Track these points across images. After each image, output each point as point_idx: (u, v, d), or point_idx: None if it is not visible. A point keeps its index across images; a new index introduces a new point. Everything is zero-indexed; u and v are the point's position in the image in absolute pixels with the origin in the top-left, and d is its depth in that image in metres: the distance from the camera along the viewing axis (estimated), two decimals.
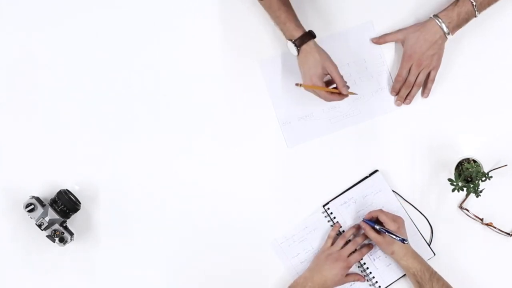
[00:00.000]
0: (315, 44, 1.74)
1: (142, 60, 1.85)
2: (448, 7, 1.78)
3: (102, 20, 1.85)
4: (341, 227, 1.83)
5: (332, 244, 1.81)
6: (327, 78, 1.75)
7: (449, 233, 1.83)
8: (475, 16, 1.77)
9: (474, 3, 1.75)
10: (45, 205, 1.77)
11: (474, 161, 1.77)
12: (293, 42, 1.72)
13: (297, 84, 1.71)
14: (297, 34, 1.72)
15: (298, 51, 1.73)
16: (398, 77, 1.83)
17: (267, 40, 1.84)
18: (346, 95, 1.74)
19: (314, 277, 1.76)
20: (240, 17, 1.81)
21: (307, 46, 1.72)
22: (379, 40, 1.84)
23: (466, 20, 1.78)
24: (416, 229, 1.83)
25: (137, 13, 1.86)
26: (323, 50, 1.74)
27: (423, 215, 1.83)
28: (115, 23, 1.85)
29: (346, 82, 1.74)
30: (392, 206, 1.83)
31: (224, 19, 1.85)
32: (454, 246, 1.83)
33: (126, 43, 1.85)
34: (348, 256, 1.79)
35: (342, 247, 1.80)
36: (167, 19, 1.86)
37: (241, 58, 1.84)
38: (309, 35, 1.73)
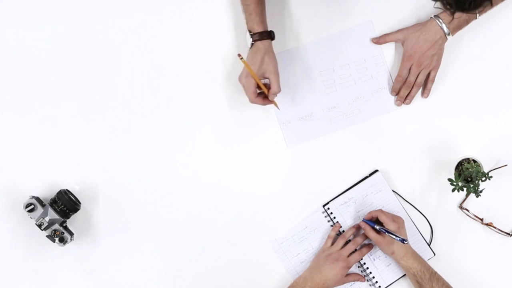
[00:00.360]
0: (270, 46, 1.74)
1: (142, 59, 1.85)
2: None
3: (101, 19, 1.85)
4: (341, 227, 1.83)
5: (332, 244, 1.81)
6: (264, 81, 1.75)
7: (449, 233, 1.83)
8: (476, 18, 1.77)
9: None
10: (45, 205, 1.77)
11: (474, 161, 1.77)
12: (251, 35, 1.73)
13: (239, 55, 1.71)
14: (258, 29, 1.73)
15: (252, 45, 1.74)
16: (398, 77, 1.83)
17: None
18: (270, 102, 1.76)
19: (314, 277, 1.76)
20: (240, 16, 1.80)
21: (261, 44, 1.73)
22: (379, 40, 1.84)
23: (466, 21, 1.78)
24: (416, 229, 1.83)
25: (137, 12, 1.86)
26: (273, 55, 1.74)
27: (423, 215, 1.83)
28: (115, 21, 1.85)
29: (278, 92, 1.74)
30: (392, 206, 1.83)
31: (224, 19, 1.85)
32: (454, 246, 1.83)
33: (127, 42, 1.85)
34: (348, 256, 1.79)
35: (342, 247, 1.80)
36: (167, 18, 1.86)
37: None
38: (268, 35, 1.74)
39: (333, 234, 1.82)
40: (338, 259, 1.77)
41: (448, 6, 1.38)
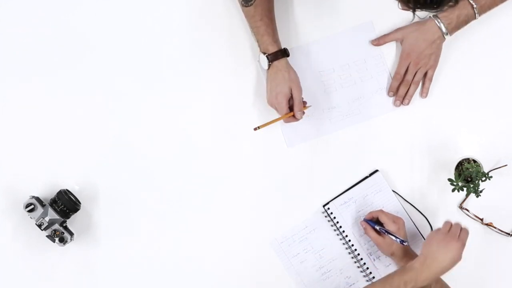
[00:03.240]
0: (287, 62, 1.74)
1: (140, 59, 1.85)
2: (448, 8, 1.78)
3: (100, 16, 1.85)
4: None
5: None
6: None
7: None
8: (475, 18, 1.78)
9: (475, 6, 1.75)
10: (45, 205, 1.77)
11: (474, 161, 1.77)
12: (267, 56, 1.72)
13: (255, 129, 1.73)
14: (272, 49, 1.73)
15: (269, 66, 1.73)
16: (396, 75, 1.83)
17: None
18: (298, 119, 1.76)
19: (430, 265, 1.64)
20: (240, 16, 1.80)
21: (278, 63, 1.73)
22: (379, 42, 1.84)
23: (465, 22, 1.78)
24: (416, 229, 1.83)
25: (136, 12, 1.85)
26: (293, 71, 1.75)
27: (423, 215, 1.84)
28: (114, 20, 1.85)
29: (304, 105, 1.76)
30: (392, 206, 1.83)
31: (224, 19, 1.85)
32: None
33: (125, 42, 1.85)
34: (459, 236, 1.69)
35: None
36: (166, 19, 1.85)
37: (241, 57, 1.84)
38: (284, 53, 1.74)
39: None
40: (451, 241, 1.66)
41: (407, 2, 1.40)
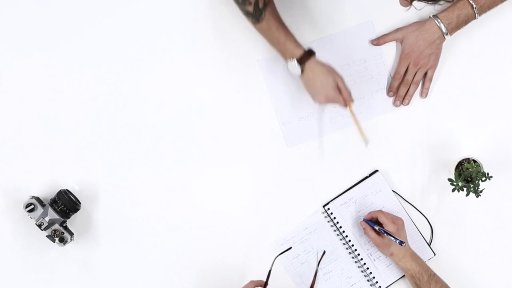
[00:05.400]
0: (317, 59, 1.72)
1: (141, 61, 1.85)
2: (448, 8, 1.78)
3: (105, 25, 1.85)
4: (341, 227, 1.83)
5: None
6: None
7: (449, 233, 1.83)
8: (475, 18, 1.78)
9: (475, 6, 1.75)
10: (45, 205, 1.77)
11: (474, 161, 1.77)
12: (298, 61, 1.69)
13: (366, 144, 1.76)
14: (299, 52, 1.70)
15: (302, 69, 1.71)
16: (396, 75, 1.83)
17: None
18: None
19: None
20: (239, 16, 1.81)
21: (310, 63, 1.70)
22: (378, 42, 1.85)
23: (465, 22, 1.78)
24: (416, 229, 1.83)
25: (137, 17, 1.86)
26: (326, 63, 1.72)
27: (423, 215, 1.83)
28: (117, 26, 1.85)
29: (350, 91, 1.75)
30: (392, 206, 1.83)
31: (224, 19, 1.85)
32: (454, 246, 1.83)
33: (126, 46, 1.85)
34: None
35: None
36: (166, 21, 1.86)
37: (241, 58, 1.84)
38: (311, 52, 1.71)
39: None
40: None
41: None
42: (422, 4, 1.45)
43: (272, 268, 1.74)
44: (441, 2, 1.42)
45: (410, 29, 1.81)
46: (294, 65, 1.70)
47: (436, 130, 1.84)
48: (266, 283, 1.70)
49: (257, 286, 1.70)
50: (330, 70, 1.71)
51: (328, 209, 1.84)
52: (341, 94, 1.72)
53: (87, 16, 1.85)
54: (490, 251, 1.83)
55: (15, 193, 1.82)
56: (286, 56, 1.71)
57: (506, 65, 1.85)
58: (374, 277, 1.82)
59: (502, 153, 1.83)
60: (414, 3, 1.45)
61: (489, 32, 1.84)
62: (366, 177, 1.84)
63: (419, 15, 1.83)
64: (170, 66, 1.85)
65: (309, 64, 1.70)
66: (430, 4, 1.43)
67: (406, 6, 1.49)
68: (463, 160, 1.77)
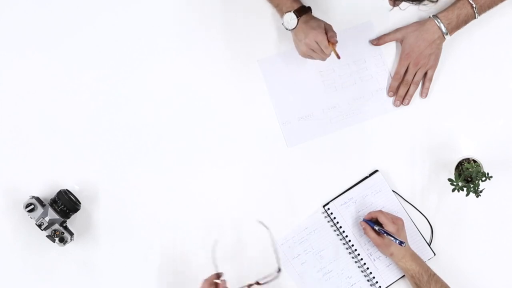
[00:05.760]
0: (312, 15, 1.74)
1: (141, 61, 1.85)
2: (448, 8, 1.78)
3: (105, 25, 1.86)
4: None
5: None
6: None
7: (449, 233, 1.83)
8: (475, 18, 1.78)
9: (475, 6, 1.75)
10: (45, 205, 1.77)
11: (474, 161, 1.77)
12: (294, 12, 1.71)
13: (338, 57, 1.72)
14: (297, 5, 1.72)
15: (298, 21, 1.71)
16: (396, 75, 1.83)
17: (267, 39, 1.84)
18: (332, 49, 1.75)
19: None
20: (239, 16, 1.81)
21: (307, 16, 1.72)
22: (378, 42, 1.85)
23: (465, 22, 1.78)
24: (416, 229, 1.83)
25: (137, 17, 1.86)
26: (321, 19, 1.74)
27: (423, 215, 1.83)
28: (117, 26, 1.86)
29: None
30: (392, 206, 1.83)
31: (224, 19, 1.85)
32: (454, 246, 1.83)
33: (126, 46, 1.85)
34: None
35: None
36: (166, 21, 1.86)
37: (241, 58, 1.84)
38: (308, 9, 1.74)
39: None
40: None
41: None
42: (407, 4, 1.45)
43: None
44: (425, 2, 1.42)
45: (410, 29, 1.81)
46: (290, 17, 1.71)
47: (436, 130, 1.84)
48: (219, 273, 1.70)
49: (214, 280, 1.68)
50: (321, 21, 1.73)
51: (328, 209, 1.84)
52: (326, 35, 1.72)
53: (87, 16, 1.85)
54: (490, 251, 1.83)
55: (15, 193, 1.82)
56: (283, 9, 1.73)
57: (506, 65, 1.85)
58: (374, 277, 1.82)
59: (502, 153, 1.83)
60: (398, 2, 1.45)
61: (489, 32, 1.84)
62: (366, 177, 1.84)
63: (419, 15, 1.83)
64: (170, 66, 1.85)
65: (305, 17, 1.72)
66: (415, 4, 1.44)
67: (392, 6, 1.49)
68: (463, 160, 1.77)
